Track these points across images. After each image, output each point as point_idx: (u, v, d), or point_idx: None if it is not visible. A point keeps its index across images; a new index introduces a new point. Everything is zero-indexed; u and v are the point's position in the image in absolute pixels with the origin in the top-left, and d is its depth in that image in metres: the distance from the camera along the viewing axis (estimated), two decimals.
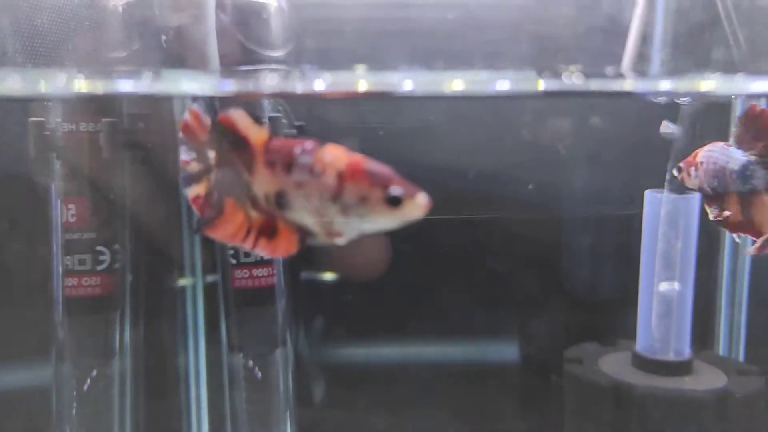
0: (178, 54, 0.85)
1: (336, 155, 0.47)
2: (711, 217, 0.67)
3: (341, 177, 0.46)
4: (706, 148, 0.68)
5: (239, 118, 0.50)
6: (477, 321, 1.07)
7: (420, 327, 1.07)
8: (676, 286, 0.82)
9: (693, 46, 0.97)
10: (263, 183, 0.50)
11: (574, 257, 1.05)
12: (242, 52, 0.83)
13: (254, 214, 0.51)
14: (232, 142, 0.50)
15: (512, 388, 1.07)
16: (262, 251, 0.52)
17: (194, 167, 0.54)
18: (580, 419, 0.85)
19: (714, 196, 0.67)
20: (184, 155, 0.54)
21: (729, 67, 0.92)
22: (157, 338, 0.94)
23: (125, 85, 0.69)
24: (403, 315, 1.05)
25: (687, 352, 0.83)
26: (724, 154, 0.65)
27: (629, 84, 0.75)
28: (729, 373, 0.82)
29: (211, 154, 0.53)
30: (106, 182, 0.76)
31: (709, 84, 0.73)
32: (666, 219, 0.83)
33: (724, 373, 0.83)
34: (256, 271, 0.84)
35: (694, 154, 0.69)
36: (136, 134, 0.80)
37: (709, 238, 0.98)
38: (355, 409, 1.04)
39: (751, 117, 0.63)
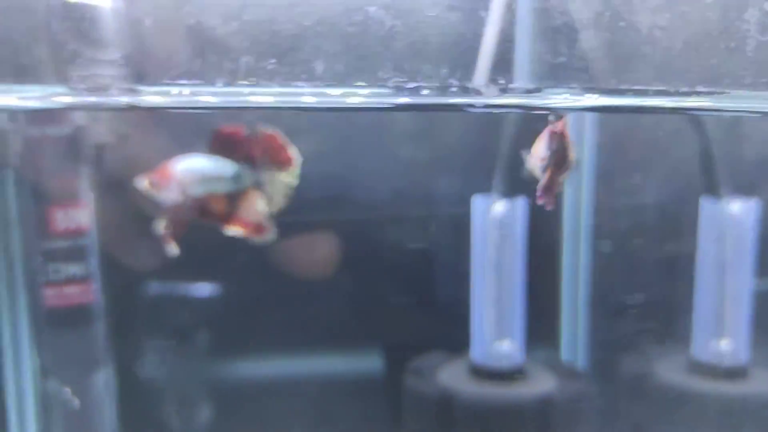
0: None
1: None
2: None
3: None
4: None
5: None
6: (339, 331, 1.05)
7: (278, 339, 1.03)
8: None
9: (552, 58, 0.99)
10: None
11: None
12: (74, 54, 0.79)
13: None
14: None
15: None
16: None
17: None
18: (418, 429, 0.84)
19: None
20: None
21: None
22: None
23: None
24: (247, 328, 1.01)
25: (520, 358, 0.83)
26: None
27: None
28: (559, 378, 0.82)
29: None
30: None
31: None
32: (495, 223, 0.83)
33: (554, 378, 0.83)
34: (67, 289, 0.79)
35: None
36: None
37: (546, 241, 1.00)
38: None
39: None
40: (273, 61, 0.72)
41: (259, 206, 0.56)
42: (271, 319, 1.01)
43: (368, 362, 1.04)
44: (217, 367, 1.03)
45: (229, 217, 0.56)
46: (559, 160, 0.67)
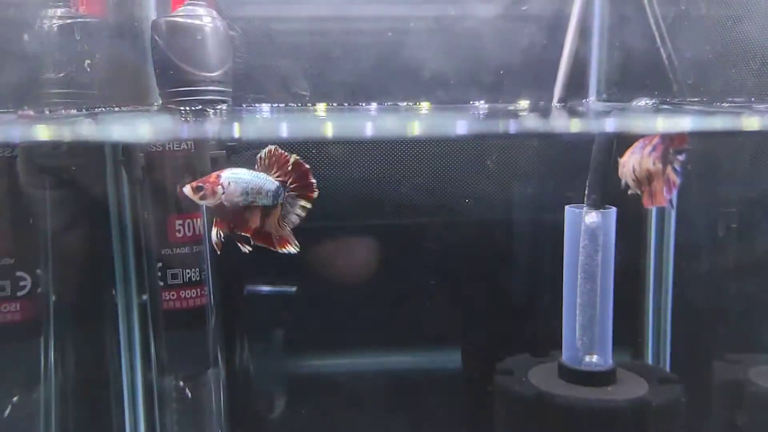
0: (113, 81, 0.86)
1: None
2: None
3: None
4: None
5: None
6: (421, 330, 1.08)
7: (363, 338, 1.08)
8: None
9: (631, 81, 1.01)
10: None
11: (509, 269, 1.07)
12: (178, 74, 0.84)
13: None
14: None
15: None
16: None
17: None
18: (509, 429, 0.87)
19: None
20: None
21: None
22: (89, 361, 0.94)
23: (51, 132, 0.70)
24: (343, 326, 1.06)
25: (609, 361, 0.86)
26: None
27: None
28: (651, 382, 0.85)
29: None
30: (23, 207, 0.76)
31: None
32: (586, 232, 0.86)
33: (645, 382, 0.85)
34: (183, 293, 0.85)
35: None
36: (57, 158, 0.80)
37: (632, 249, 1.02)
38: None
39: None
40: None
41: (286, 221, 0.65)
42: (365, 318, 1.06)
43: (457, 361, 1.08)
44: (308, 363, 1.08)
45: (260, 229, 0.65)
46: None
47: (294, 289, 1.05)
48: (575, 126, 0.74)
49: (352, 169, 1.03)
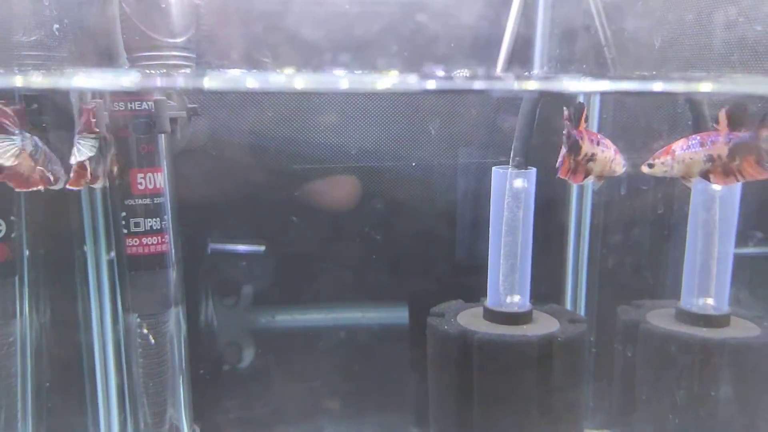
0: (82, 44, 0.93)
1: None
2: None
3: None
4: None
5: None
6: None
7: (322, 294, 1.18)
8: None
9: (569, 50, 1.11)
10: None
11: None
12: (144, 39, 0.92)
13: None
14: None
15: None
16: None
17: None
18: (439, 364, 0.98)
19: None
20: None
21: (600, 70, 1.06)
22: (59, 303, 1.03)
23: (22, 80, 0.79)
24: (303, 283, 1.16)
25: (527, 305, 0.97)
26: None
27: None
28: (561, 322, 0.96)
29: None
30: None
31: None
32: (510, 191, 0.96)
33: (558, 322, 0.97)
34: (145, 240, 0.94)
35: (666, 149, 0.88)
36: (30, 115, 0.88)
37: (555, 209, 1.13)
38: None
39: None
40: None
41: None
42: (309, 273, 1.16)
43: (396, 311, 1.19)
44: (261, 315, 1.18)
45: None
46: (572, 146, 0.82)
47: (263, 248, 1.15)
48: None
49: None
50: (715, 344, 0.92)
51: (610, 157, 0.88)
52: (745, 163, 0.83)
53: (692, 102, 0.99)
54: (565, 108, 0.83)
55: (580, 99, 0.87)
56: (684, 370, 0.92)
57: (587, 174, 0.87)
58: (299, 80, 0.80)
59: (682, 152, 0.86)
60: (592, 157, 0.86)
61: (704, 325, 0.96)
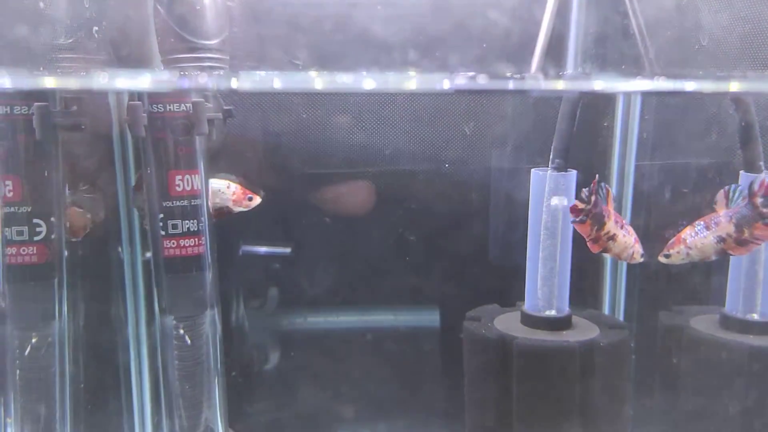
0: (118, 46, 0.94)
1: None
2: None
3: None
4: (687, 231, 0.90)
5: None
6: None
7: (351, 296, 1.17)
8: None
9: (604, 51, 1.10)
10: None
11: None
12: (179, 41, 0.92)
13: None
14: None
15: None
16: None
17: None
18: (476, 369, 0.97)
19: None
20: None
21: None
22: (97, 304, 1.03)
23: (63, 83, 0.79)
24: (331, 285, 1.15)
25: (565, 309, 0.95)
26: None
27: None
28: (602, 328, 0.94)
29: None
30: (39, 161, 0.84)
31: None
32: (549, 194, 0.94)
33: (597, 328, 0.95)
34: (183, 242, 0.93)
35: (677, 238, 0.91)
36: (70, 116, 0.88)
37: None
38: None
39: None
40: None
41: None
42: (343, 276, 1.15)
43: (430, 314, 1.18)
44: (293, 317, 1.17)
45: None
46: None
47: (289, 249, 1.14)
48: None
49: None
50: (763, 351, 0.90)
51: (630, 243, 0.90)
52: (755, 231, 0.85)
53: (738, 102, 0.96)
54: (597, 175, 0.86)
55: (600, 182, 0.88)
56: (732, 379, 0.89)
57: (605, 250, 0.89)
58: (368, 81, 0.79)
59: (693, 239, 0.89)
60: (613, 237, 0.88)
61: (752, 332, 0.93)
